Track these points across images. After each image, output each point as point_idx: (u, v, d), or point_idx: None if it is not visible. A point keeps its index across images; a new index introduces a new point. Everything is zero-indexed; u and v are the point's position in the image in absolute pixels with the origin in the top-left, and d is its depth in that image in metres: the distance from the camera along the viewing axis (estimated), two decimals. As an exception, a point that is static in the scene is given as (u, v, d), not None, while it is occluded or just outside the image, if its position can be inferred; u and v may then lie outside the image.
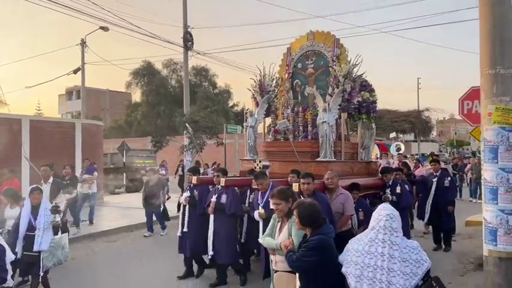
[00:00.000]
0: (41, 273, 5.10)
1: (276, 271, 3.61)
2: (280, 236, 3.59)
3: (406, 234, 7.60)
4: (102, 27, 18.94)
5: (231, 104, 38.50)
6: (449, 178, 8.14)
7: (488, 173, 4.57)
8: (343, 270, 2.91)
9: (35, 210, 5.28)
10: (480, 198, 13.13)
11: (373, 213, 3.04)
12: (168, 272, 6.63)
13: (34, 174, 8.86)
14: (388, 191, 7.17)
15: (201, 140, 15.07)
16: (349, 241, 3.13)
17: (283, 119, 8.18)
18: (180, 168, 16.98)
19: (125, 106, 39.96)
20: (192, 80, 36.43)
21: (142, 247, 8.79)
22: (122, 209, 12.70)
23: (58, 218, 5.31)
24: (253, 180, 5.80)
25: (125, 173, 18.46)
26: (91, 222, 10.76)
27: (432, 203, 8.07)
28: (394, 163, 11.71)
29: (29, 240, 5.09)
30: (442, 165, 11.51)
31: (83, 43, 21.01)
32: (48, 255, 5.02)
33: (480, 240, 6.49)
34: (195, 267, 6.57)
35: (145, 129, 34.53)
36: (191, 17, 17.66)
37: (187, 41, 17.04)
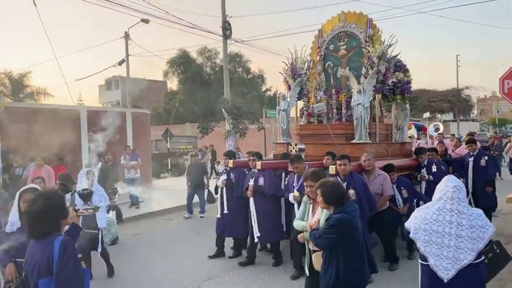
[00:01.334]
0: (100, 249, 5.56)
1: (314, 251, 3.71)
2: (314, 218, 3.72)
3: None
4: (143, 20, 19.48)
5: (263, 89, 38.63)
6: (486, 157, 7.96)
7: None
8: (412, 235, 3.08)
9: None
10: None
11: (439, 185, 3.17)
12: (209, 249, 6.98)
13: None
14: (424, 170, 7.15)
15: (243, 126, 15.48)
16: (416, 209, 3.28)
17: (316, 101, 8.23)
18: (209, 153, 17.52)
19: (161, 94, 40.99)
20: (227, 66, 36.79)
21: (195, 225, 9.39)
22: (171, 191, 13.35)
23: (115, 199, 5.71)
24: (289, 164, 5.91)
25: (169, 158, 19.15)
26: (138, 206, 11.17)
27: (472, 185, 7.94)
28: (434, 143, 11.47)
29: (88, 218, 5.26)
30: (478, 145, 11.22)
31: (127, 36, 21.73)
32: (106, 232, 5.46)
33: None
34: (226, 248, 6.85)
35: (183, 116, 35.33)
36: (226, 6, 17.78)
37: (226, 29, 17.34)
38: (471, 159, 7.96)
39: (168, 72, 37.65)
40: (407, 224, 3.18)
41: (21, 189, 3.78)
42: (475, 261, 2.91)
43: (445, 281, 2.90)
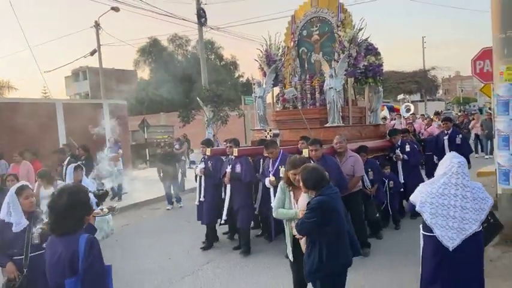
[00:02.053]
0: None
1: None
2: (300, 205, 3.76)
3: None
4: (113, 8, 18.97)
5: (236, 75, 38.41)
6: (460, 135, 8.15)
7: (501, 124, 5.29)
8: (418, 209, 3.26)
9: None
10: (492, 153, 13.20)
11: (443, 161, 3.34)
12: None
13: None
14: (398, 151, 7.41)
15: (224, 113, 15.46)
16: (421, 184, 3.43)
17: (291, 87, 8.31)
18: (186, 143, 17.40)
19: (132, 84, 40.06)
20: (199, 54, 36.25)
21: (182, 213, 9.34)
22: (152, 181, 13.30)
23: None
24: (264, 149, 6.00)
25: (147, 149, 18.90)
26: (119, 197, 10.94)
27: None
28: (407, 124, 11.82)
29: None
30: (438, 124, 11.67)
31: (97, 25, 21.04)
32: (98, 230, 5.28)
33: (491, 188, 6.81)
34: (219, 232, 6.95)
35: (156, 106, 34.82)
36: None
37: (201, 17, 17.14)
38: (446, 137, 8.00)
39: (139, 61, 36.85)
40: (413, 198, 3.35)
41: (16, 187, 3.66)
42: (477, 231, 3.15)
43: (451, 249, 3.12)
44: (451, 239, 3.11)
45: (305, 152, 5.61)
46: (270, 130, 6.88)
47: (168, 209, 9.99)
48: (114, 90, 22.38)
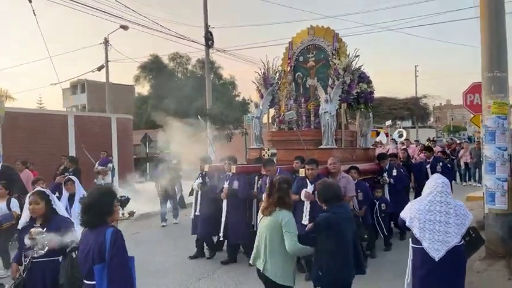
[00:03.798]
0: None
1: None
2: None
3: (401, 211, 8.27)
4: (122, 26, 19.41)
5: (233, 93, 38.98)
6: (441, 163, 8.75)
7: (488, 151, 6.02)
8: (408, 224, 3.63)
9: (71, 198, 5.95)
10: (480, 181, 13.51)
11: (428, 181, 3.76)
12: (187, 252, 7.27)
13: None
14: (385, 174, 7.77)
15: (229, 132, 15.93)
16: (410, 202, 3.81)
17: (287, 109, 8.73)
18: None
19: (129, 99, 40.48)
20: (198, 73, 36.85)
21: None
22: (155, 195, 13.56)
23: None
24: (262, 167, 6.33)
25: (148, 163, 19.17)
26: None
27: None
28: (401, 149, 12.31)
29: None
30: (438, 149, 12.12)
31: (106, 42, 21.52)
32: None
33: (479, 211, 7.22)
34: (206, 248, 7.14)
35: (154, 121, 35.12)
36: (197, 16, 18.25)
37: (208, 39, 17.78)
38: (428, 165, 8.73)
39: (139, 77, 37.37)
40: (403, 214, 3.74)
41: (30, 193, 3.96)
42: (459, 244, 3.52)
43: (436, 259, 3.47)
44: (436, 251, 3.49)
45: (301, 172, 5.94)
46: (268, 149, 7.23)
47: (164, 225, 9.90)
48: (112, 104, 22.68)
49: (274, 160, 6.80)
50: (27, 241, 3.48)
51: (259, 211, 3.79)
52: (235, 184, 6.51)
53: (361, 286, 5.34)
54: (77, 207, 5.90)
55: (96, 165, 11.72)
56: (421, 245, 3.56)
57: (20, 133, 12.17)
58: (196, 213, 7.03)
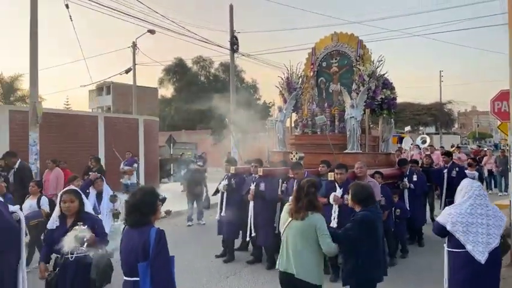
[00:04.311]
0: None
1: None
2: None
3: (422, 217, 8.32)
4: (149, 30, 19.85)
5: (255, 97, 39.40)
6: (457, 169, 8.75)
7: None
8: (449, 229, 3.64)
9: (99, 196, 6.14)
10: (506, 190, 13.09)
11: (463, 187, 3.80)
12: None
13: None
14: (405, 180, 7.83)
15: (252, 135, 16.24)
16: (447, 208, 3.82)
17: (310, 114, 8.90)
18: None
19: (153, 101, 41.40)
20: (221, 76, 37.34)
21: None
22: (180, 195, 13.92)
23: (117, 206, 5.95)
24: (290, 170, 6.44)
25: (171, 164, 19.66)
26: None
27: (445, 193, 8.63)
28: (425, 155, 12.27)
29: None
30: (457, 156, 12.01)
31: (134, 45, 22.15)
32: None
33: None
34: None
35: (177, 123, 35.87)
36: (221, 20, 18.59)
37: (234, 44, 18.12)
38: (445, 170, 8.75)
39: (163, 79, 38.16)
40: (442, 220, 3.72)
41: (61, 191, 3.98)
42: (497, 245, 3.60)
43: (483, 262, 3.51)
44: (481, 253, 3.54)
45: (330, 176, 6.05)
46: (296, 153, 7.36)
47: (189, 225, 10.13)
48: (137, 105, 23.21)
49: (302, 163, 6.89)
50: (69, 239, 3.50)
51: (287, 214, 3.76)
52: (262, 186, 6.62)
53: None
54: (105, 204, 6.12)
55: (122, 165, 12.10)
56: (462, 248, 3.58)
57: (53, 133, 12.73)
58: (222, 214, 7.18)
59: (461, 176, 8.82)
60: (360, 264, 3.68)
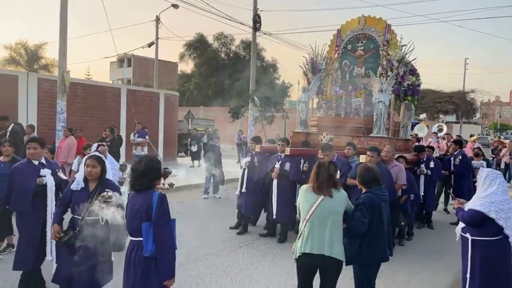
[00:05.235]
0: None
1: None
2: None
3: (433, 203, 8.61)
4: (173, 5, 20.07)
5: (274, 77, 39.19)
6: (460, 157, 8.82)
7: None
8: (494, 216, 3.65)
9: None
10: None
11: (487, 175, 3.82)
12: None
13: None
14: (423, 166, 7.92)
15: (270, 114, 16.36)
16: (481, 197, 3.77)
17: (335, 95, 8.93)
18: (205, 136, 18.07)
19: (172, 76, 41.61)
20: (241, 54, 37.16)
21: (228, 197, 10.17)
22: (197, 169, 14.40)
23: (126, 175, 5.93)
24: (320, 151, 6.49)
25: (189, 139, 20.02)
26: None
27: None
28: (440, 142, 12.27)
29: None
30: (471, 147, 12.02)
31: (158, 19, 22.26)
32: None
33: None
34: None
35: (197, 99, 36.15)
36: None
37: (256, 22, 18.02)
38: (452, 158, 8.92)
39: (184, 54, 38.19)
40: (483, 208, 3.68)
41: (86, 156, 4.09)
42: None
43: None
44: None
45: (362, 158, 6.12)
46: (327, 134, 7.43)
47: (205, 198, 10.46)
48: (155, 79, 23.43)
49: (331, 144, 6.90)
50: (98, 204, 3.57)
51: (312, 193, 3.64)
52: (287, 166, 6.68)
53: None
54: (110, 172, 5.93)
55: (132, 136, 12.17)
56: (498, 236, 3.65)
57: (78, 103, 13.08)
58: (242, 190, 7.33)
59: (464, 164, 8.84)
60: (365, 245, 3.73)
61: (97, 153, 4.31)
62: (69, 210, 3.87)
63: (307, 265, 3.64)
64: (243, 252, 6.28)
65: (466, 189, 8.32)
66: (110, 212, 3.62)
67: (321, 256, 3.53)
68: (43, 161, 4.66)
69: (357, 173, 3.98)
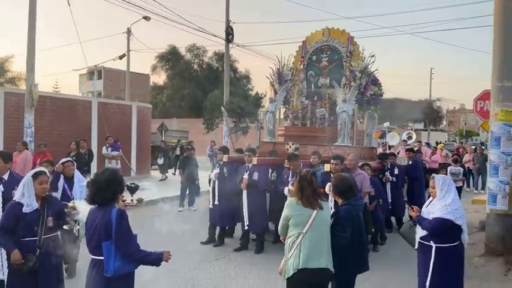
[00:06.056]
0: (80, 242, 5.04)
1: None
2: None
3: (403, 207, 8.80)
4: (144, 17, 20.11)
5: (247, 87, 39.48)
6: (411, 161, 9.29)
7: (493, 156, 6.48)
8: (459, 223, 3.83)
9: (69, 181, 5.52)
10: (483, 188, 13.24)
11: (444, 181, 3.99)
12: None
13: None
14: (387, 173, 8.24)
15: (245, 124, 16.51)
16: (443, 204, 3.87)
17: (301, 106, 9.18)
18: (178, 148, 18.19)
19: (144, 88, 41.26)
20: (214, 65, 37.35)
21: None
22: (171, 182, 14.07)
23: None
24: (286, 160, 6.61)
25: (156, 152, 19.86)
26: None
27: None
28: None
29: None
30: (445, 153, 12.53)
31: (129, 31, 22.22)
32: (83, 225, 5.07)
33: (483, 214, 7.67)
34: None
35: (169, 111, 35.96)
36: (215, 10, 18.77)
37: (229, 34, 18.23)
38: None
39: (156, 66, 38.08)
40: (451, 217, 3.79)
41: (32, 172, 3.82)
42: None
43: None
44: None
45: (327, 167, 6.27)
46: (293, 144, 7.51)
47: (180, 211, 10.28)
48: (125, 91, 23.29)
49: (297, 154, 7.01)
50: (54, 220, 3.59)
51: (304, 208, 3.54)
52: (256, 175, 6.74)
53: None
54: (77, 189, 5.53)
55: (105, 150, 12.06)
56: (455, 242, 3.85)
57: (47, 116, 12.85)
58: (215, 203, 7.28)
59: (416, 167, 9.21)
60: (347, 257, 3.65)
61: (42, 168, 4.11)
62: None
63: (308, 281, 3.45)
64: (219, 264, 6.32)
65: (417, 192, 8.86)
66: (73, 223, 3.66)
67: (321, 270, 3.46)
68: (6, 176, 4.52)
69: (333, 183, 3.89)
